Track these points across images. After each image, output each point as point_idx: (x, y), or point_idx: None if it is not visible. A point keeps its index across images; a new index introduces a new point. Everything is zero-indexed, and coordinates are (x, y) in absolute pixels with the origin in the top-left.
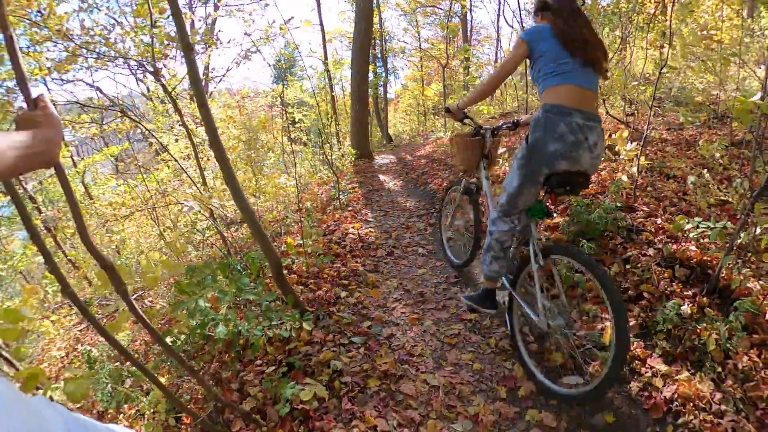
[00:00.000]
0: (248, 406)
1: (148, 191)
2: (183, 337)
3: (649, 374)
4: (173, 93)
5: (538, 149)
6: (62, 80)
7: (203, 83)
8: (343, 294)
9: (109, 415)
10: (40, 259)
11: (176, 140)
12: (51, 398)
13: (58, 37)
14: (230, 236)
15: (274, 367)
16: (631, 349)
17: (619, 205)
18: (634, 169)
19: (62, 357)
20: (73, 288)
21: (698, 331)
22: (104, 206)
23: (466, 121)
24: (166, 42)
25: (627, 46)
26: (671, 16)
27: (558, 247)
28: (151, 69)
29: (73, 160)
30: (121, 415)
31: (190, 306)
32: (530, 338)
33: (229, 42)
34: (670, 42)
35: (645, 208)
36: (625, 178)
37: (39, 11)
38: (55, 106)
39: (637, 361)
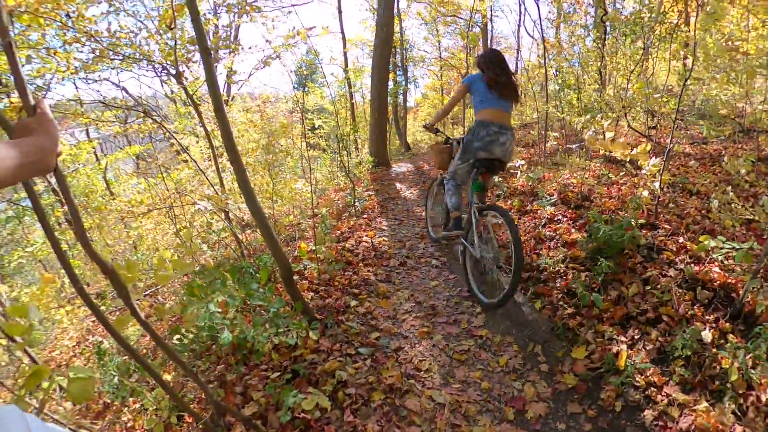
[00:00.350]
0: (250, 411)
1: (167, 190)
2: (191, 336)
3: (665, 402)
4: (195, 96)
5: (469, 146)
6: (89, 80)
7: (225, 86)
8: (353, 303)
9: (114, 408)
10: (63, 247)
11: (197, 141)
12: (60, 386)
13: (86, 38)
14: (245, 238)
15: (278, 373)
16: (647, 374)
17: (634, 222)
18: (657, 185)
19: (73, 346)
20: (90, 279)
21: (720, 358)
22: (124, 203)
23: (438, 133)
24: (188, 46)
25: (649, 57)
26: (695, 26)
27: (487, 206)
28: (174, 72)
29: (96, 155)
30: (126, 408)
31: (200, 310)
32: (476, 273)
33: (250, 48)
34: (694, 53)
35: (666, 226)
36: (645, 193)
37: (68, 14)
38: (81, 105)
39: (652, 388)
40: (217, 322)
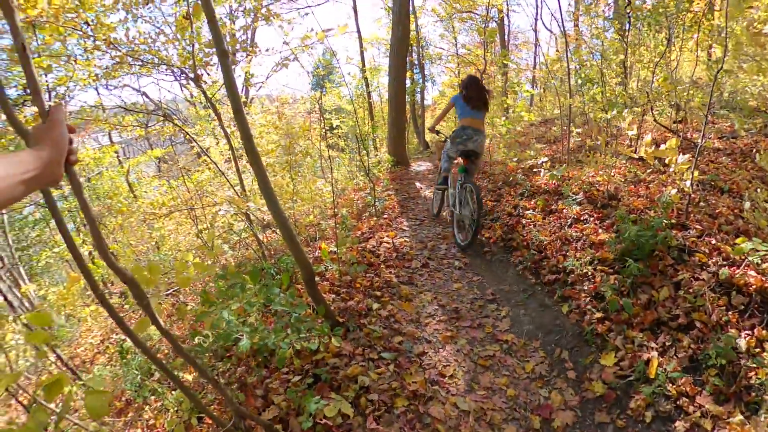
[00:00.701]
0: (271, 414)
1: (188, 192)
2: (211, 338)
3: (698, 414)
4: (214, 98)
5: (453, 141)
6: (110, 86)
7: (244, 89)
8: (375, 306)
9: (136, 405)
10: (87, 248)
11: (217, 143)
12: (83, 384)
13: (106, 46)
14: (266, 239)
15: (299, 377)
16: (679, 383)
17: (665, 222)
18: (687, 183)
19: (98, 344)
20: (113, 279)
21: (756, 368)
22: (146, 204)
23: (439, 134)
24: (206, 50)
25: (673, 48)
26: (726, 13)
27: (466, 182)
28: (192, 76)
29: (119, 159)
30: (147, 407)
31: (214, 317)
32: (459, 228)
33: (267, 50)
34: (725, 43)
35: (698, 226)
36: (674, 192)
37: (87, 22)
38: (103, 110)
39: (684, 398)
40: (238, 328)
